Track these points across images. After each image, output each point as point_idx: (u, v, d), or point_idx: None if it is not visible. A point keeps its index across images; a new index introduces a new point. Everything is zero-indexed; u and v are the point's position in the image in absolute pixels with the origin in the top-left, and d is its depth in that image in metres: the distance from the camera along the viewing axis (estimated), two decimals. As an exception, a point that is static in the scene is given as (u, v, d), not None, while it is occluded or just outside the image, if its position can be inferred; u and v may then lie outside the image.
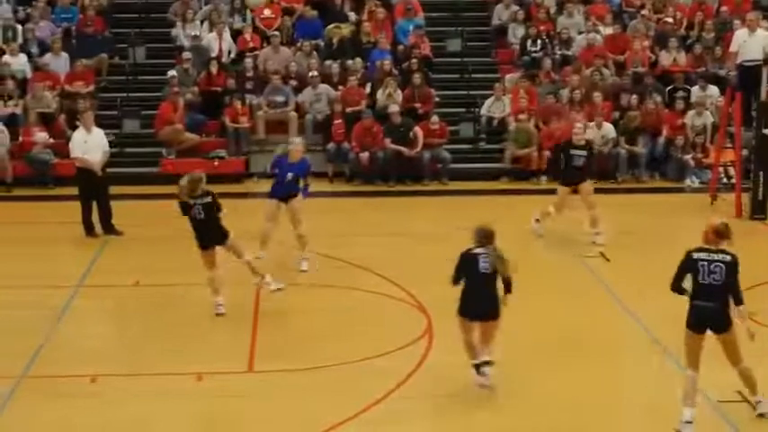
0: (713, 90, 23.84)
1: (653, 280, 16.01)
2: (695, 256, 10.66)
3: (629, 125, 23.01)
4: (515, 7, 25.81)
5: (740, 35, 20.54)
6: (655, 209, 21.11)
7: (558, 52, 25.03)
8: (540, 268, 16.46)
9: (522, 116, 22.85)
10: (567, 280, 16.14)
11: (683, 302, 15.25)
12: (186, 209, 14.07)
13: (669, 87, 24.16)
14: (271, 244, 16.20)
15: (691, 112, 23.39)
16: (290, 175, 16.05)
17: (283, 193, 16.07)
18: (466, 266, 11.47)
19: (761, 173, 19.48)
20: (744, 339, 10.82)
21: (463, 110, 24.48)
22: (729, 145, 21.65)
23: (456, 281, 11.49)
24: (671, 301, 15.03)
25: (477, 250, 11.48)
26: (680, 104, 23.60)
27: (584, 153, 17.85)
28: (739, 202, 19.74)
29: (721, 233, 10.66)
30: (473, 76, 25.10)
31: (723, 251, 10.65)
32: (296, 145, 16.31)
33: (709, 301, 10.65)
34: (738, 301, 10.77)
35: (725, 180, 21.79)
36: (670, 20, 25.57)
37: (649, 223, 19.83)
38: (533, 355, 12.88)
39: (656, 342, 13.39)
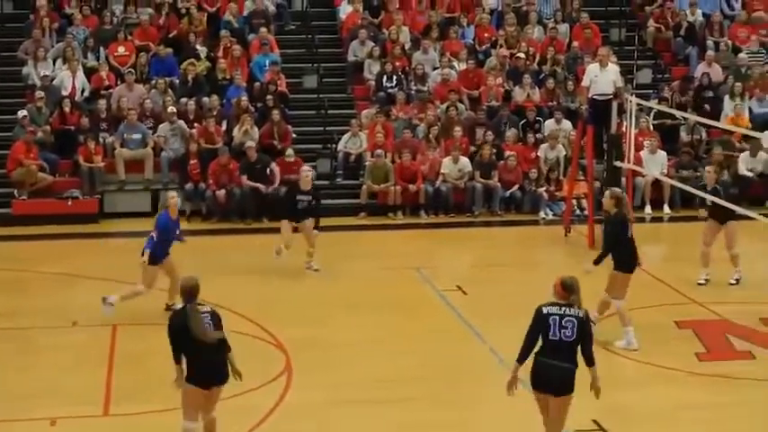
0: (566, 124, 24.27)
1: (509, 311, 16.30)
2: (545, 310, 10.09)
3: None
4: (371, 44, 25.96)
5: (591, 70, 20.94)
6: (510, 241, 21.40)
7: (414, 88, 25.24)
8: (398, 304, 16.54)
9: (378, 151, 22.96)
10: (426, 314, 16.20)
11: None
12: None
13: (523, 121, 24.52)
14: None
15: (544, 146, 23.76)
16: (177, 232, 15.81)
17: (165, 252, 15.76)
18: None
19: (612, 204, 19.80)
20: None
21: (320, 146, 24.50)
22: (582, 177, 22.05)
23: None
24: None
25: None
26: (533, 138, 23.97)
27: (308, 198, 17.99)
28: (592, 233, 20.08)
29: (569, 287, 10.11)
30: (329, 112, 25.15)
31: (573, 306, 10.08)
32: (174, 198, 15.97)
33: (558, 359, 10.02)
34: (590, 362, 10.22)
35: (578, 212, 22.17)
36: (523, 55, 25.98)
37: (505, 256, 20.09)
38: (395, 390, 12.90)
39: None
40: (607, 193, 15.00)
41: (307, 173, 18.41)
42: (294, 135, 23.98)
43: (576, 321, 9.98)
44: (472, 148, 23.81)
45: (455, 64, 25.76)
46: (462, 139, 23.70)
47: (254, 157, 22.59)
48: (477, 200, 23.00)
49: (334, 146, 24.11)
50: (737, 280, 17.33)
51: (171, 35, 25.97)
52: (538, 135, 24.21)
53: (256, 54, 25.56)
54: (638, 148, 22.30)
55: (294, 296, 16.82)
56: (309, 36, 27.09)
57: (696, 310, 15.77)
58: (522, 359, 10.21)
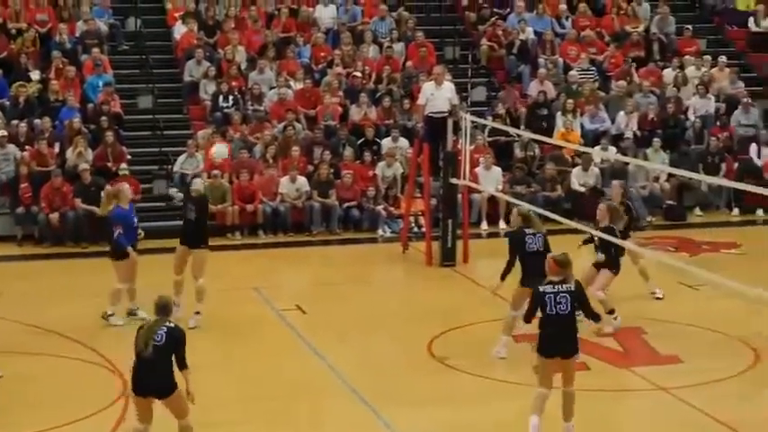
0: (403, 142, 24.43)
1: (348, 328, 16.36)
2: (542, 289, 11.53)
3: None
4: (207, 63, 25.76)
5: (427, 88, 21.11)
6: (348, 260, 21.44)
7: (250, 107, 25.13)
8: (236, 324, 16.42)
9: (215, 172, 22.76)
10: (265, 334, 16.11)
11: (378, 348, 15.62)
12: None
13: (360, 140, 24.62)
14: None
15: (381, 164, 23.88)
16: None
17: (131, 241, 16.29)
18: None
19: (449, 221, 20.03)
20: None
21: (156, 167, 24.20)
22: (419, 195, 22.23)
23: None
24: (366, 348, 15.36)
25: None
26: (370, 157, 24.06)
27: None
28: (429, 250, 20.25)
29: (561, 263, 11.55)
30: (165, 132, 24.88)
31: (567, 282, 11.51)
32: (125, 187, 16.59)
33: (560, 329, 11.45)
34: (595, 319, 12.43)
35: (416, 229, 22.31)
36: (359, 74, 26.10)
37: (344, 274, 20.12)
38: (236, 414, 12.78)
39: (354, 391, 13.52)
40: (514, 210, 15.37)
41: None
42: (129, 156, 23.60)
43: (569, 296, 11.44)
44: (310, 168, 23.79)
45: (292, 83, 25.74)
46: (300, 159, 23.67)
47: (88, 179, 22.19)
48: (316, 219, 22.98)
49: (170, 167, 23.84)
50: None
51: (1, 56, 25.38)
52: (375, 154, 24.32)
53: (89, 75, 25.13)
54: (474, 164, 22.59)
55: (130, 320, 16.53)
56: (144, 56, 26.75)
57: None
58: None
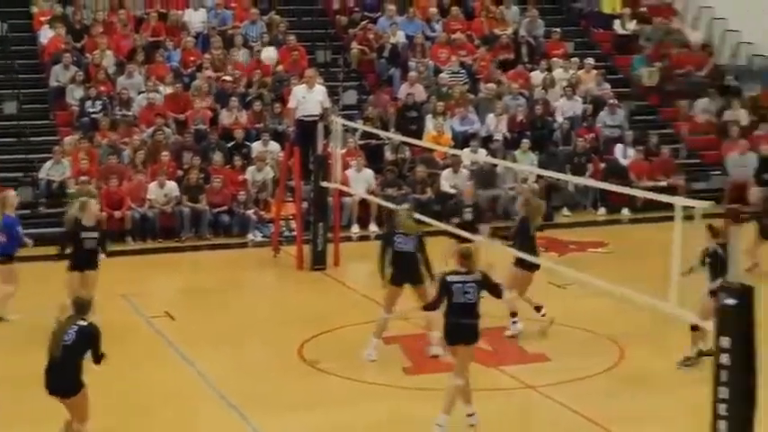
0: (273, 145, 24.32)
1: (218, 334, 16.21)
2: (449, 279, 11.88)
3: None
4: (74, 68, 25.33)
5: (299, 91, 21.06)
6: (219, 265, 21.24)
7: (119, 112, 24.79)
8: (105, 332, 16.09)
9: (83, 178, 22.39)
10: (133, 342, 15.82)
11: (249, 353, 15.55)
12: None
13: (230, 144, 24.44)
14: None
15: (251, 168, 23.72)
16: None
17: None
18: None
19: (320, 224, 19.97)
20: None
21: (21, 174, 23.68)
22: (290, 198, 22.13)
23: None
24: (236, 353, 15.28)
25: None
26: (241, 161, 23.89)
27: (95, 234, 16.14)
28: (300, 254, 20.17)
29: (465, 255, 11.95)
30: (31, 139, 24.42)
31: (473, 272, 11.84)
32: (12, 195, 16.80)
33: (464, 318, 11.79)
34: (500, 296, 12.57)
35: (287, 233, 22.20)
36: (229, 78, 25.91)
37: (214, 279, 19.94)
38: (105, 423, 12.56)
39: (223, 397, 13.41)
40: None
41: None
42: (-7, 163, 23.16)
43: (475, 285, 11.81)
44: (179, 172, 23.55)
45: (161, 88, 25.45)
46: (169, 164, 23.42)
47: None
48: (185, 224, 22.74)
49: (35, 173, 23.39)
50: None
51: None
52: (245, 158, 24.15)
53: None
54: (345, 167, 22.59)
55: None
56: (9, 61, 26.20)
57: (402, 324, 15.99)
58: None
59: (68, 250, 15.98)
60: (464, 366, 12.06)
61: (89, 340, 10.88)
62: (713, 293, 14.44)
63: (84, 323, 10.92)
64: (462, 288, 11.83)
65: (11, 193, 16.65)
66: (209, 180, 23.37)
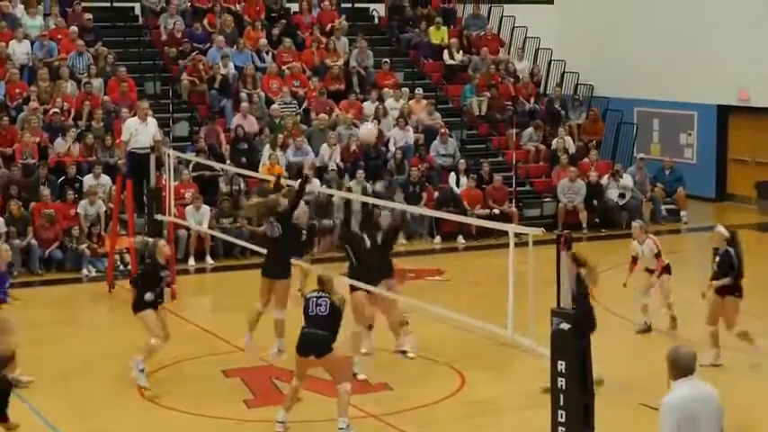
0: (105, 179, 23.98)
1: (56, 372, 15.83)
2: (308, 295, 13.08)
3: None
4: None
5: (131, 124, 20.85)
6: (53, 301, 20.79)
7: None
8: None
9: None
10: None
11: (86, 390, 15.26)
12: None
13: (61, 178, 24.01)
14: None
15: (83, 202, 23.33)
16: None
17: None
18: None
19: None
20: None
21: None
22: (123, 232, 21.82)
23: None
24: (73, 390, 14.95)
25: None
26: (72, 195, 23.45)
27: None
28: (137, 287, 19.86)
29: (321, 281, 13.02)
30: None
31: (329, 294, 12.91)
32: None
33: (317, 329, 12.73)
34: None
35: (121, 267, 21.89)
36: (58, 110, 25.46)
37: (48, 316, 19.45)
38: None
39: None
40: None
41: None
42: None
43: (328, 301, 12.80)
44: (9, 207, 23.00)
45: (-16, 121, 24.84)
46: (-7, 199, 22.88)
47: None
48: (15, 260, 22.17)
49: None
50: None
51: None
52: (77, 192, 23.72)
53: None
54: (179, 199, 22.40)
55: None
56: None
57: (241, 357, 15.90)
58: None
59: None
60: (336, 376, 12.97)
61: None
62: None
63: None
64: (316, 301, 12.86)
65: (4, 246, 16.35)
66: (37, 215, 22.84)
